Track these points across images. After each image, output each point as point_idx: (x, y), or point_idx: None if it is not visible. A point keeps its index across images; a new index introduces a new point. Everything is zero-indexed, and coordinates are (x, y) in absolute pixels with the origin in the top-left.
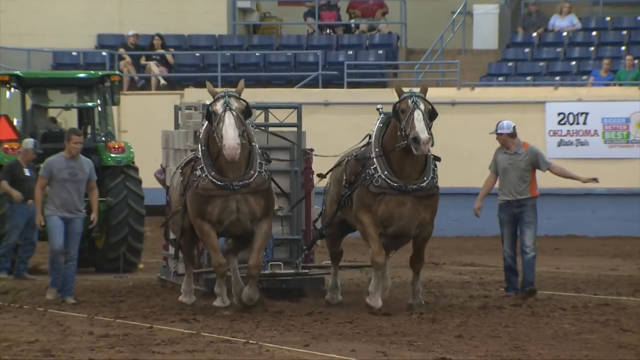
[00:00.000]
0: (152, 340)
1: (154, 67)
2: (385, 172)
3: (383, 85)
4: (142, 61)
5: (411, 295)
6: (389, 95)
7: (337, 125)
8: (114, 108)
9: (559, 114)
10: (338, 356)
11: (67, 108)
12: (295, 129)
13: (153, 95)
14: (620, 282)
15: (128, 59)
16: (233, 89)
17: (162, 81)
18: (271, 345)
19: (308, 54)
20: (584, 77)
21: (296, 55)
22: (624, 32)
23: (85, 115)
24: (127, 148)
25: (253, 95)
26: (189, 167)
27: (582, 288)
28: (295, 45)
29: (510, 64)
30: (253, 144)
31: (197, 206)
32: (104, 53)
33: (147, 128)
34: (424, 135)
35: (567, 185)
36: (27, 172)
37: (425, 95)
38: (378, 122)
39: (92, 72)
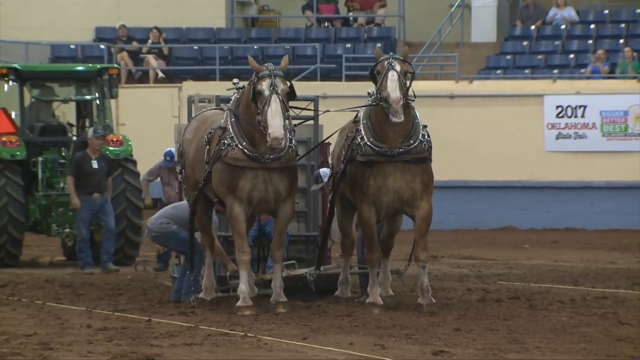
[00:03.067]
0: (150, 334)
1: (152, 60)
2: (371, 139)
3: None
4: (143, 51)
5: (419, 292)
6: None
7: (338, 119)
8: (112, 101)
9: (557, 107)
10: (336, 349)
11: (65, 101)
12: (312, 122)
13: (151, 89)
14: (619, 275)
15: (126, 55)
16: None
17: (160, 74)
18: (269, 338)
19: (306, 47)
20: (582, 70)
21: (294, 48)
22: (622, 25)
23: (83, 109)
24: (125, 141)
25: None
26: (215, 137)
27: (581, 281)
28: (294, 38)
29: (508, 57)
30: (288, 118)
31: (228, 180)
32: (102, 46)
33: (145, 121)
34: (394, 94)
35: (565, 179)
36: (94, 165)
37: (405, 59)
38: (367, 101)
39: (90, 65)
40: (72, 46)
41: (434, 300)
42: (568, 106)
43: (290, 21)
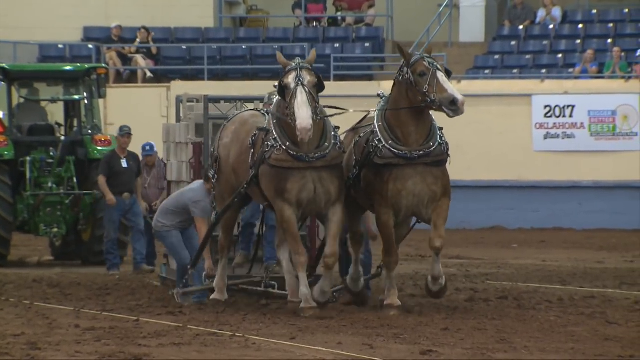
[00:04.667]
0: (138, 333)
1: (140, 60)
2: (390, 142)
3: (369, 78)
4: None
5: (431, 279)
6: (374, 88)
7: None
8: (101, 101)
9: (546, 106)
10: (324, 349)
11: (53, 101)
12: None
13: (139, 88)
14: (607, 274)
15: (114, 54)
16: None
17: (149, 74)
18: (257, 338)
19: (295, 46)
20: (570, 70)
21: (283, 48)
22: (610, 25)
23: (71, 108)
24: (113, 141)
25: (240, 88)
26: (259, 140)
27: (568, 281)
28: (282, 38)
29: (496, 56)
30: (326, 117)
31: (275, 183)
32: (90, 46)
33: (133, 121)
34: (460, 96)
35: (553, 178)
36: (124, 164)
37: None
38: (379, 103)
39: (79, 64)
40: (60, 46)
41: (444, 285)
42: (556, 106)
43: (278, 21)
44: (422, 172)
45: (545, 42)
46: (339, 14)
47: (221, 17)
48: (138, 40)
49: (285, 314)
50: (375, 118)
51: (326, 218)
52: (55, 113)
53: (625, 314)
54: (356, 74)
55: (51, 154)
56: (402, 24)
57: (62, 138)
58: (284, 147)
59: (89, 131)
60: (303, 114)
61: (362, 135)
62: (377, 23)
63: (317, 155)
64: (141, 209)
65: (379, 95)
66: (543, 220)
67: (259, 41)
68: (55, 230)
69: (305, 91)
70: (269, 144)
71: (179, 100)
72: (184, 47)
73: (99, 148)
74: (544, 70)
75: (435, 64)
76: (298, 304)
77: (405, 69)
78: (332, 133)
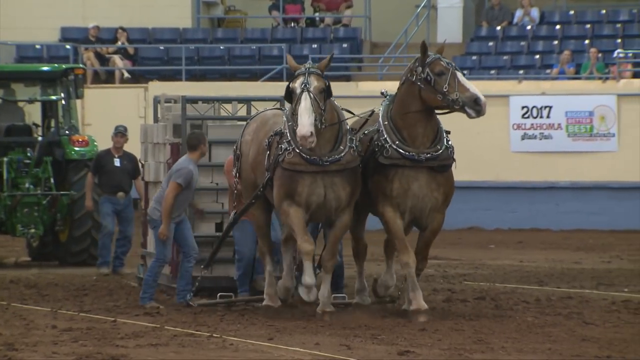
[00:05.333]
0: (115, 334)
1: (118, 61)
2: (397, 142)
3: (347, 78)
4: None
5: (406, 300)
6: (353, 89)
7: None
8: (78, 101)
9: (523, 107)
10: (302, 349)
11: (30, 101)
12: None
13: (117, 89)
14: (584, 275)
15: (92, 55)
16: (314, 65)
17: (126, 74)
18: (235, 338)
19: (272, 47)
20: (548, 71)
21: (261, 48)
22: (588, 26)
23: (48, 109)
24: (91, 142)
25: (217, 88)
26: (274, 142)
27: (546, 281)
28: (260, 39)
29: (474, 57)
30: (342, 120)
31: (286, 186)
32: (67, 46)
33: (111, 121)
34: (482, 96)
35: (530, 179)
36: (116, 163)
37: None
38: (384, 101)
39: (56, 65)
40: (37, 46)
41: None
42: (533, 107)
43: (256, 21)
44: (427, 176)
45: (522, 43)
46: (316, 14)
47: (199, 18)
48: (119, 42)
49: (263, 314)
50: (381, 117)
51: (333, 222)
52: (33, 113)
53: (602, 315)
54: (334, 74)
55: (28, 154)
56: (379, 25)
57: (40, 139)
58: (297, 150)
59: (67, 132)
60: (303, 121)
61: (365, 133)
62: (355, 24)
63: (330, 158)
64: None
65: (382, 93)
66: (520, 220)
67: (236, 42)
68: (33, 231)
69: (310, 97)
70: (282, 146)
71: (156, 101)
72: (161, 47)
73: (76, 149)
74: (521, 71)
75: (452, 63)
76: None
77: (420, 68)
78: (349, 136)
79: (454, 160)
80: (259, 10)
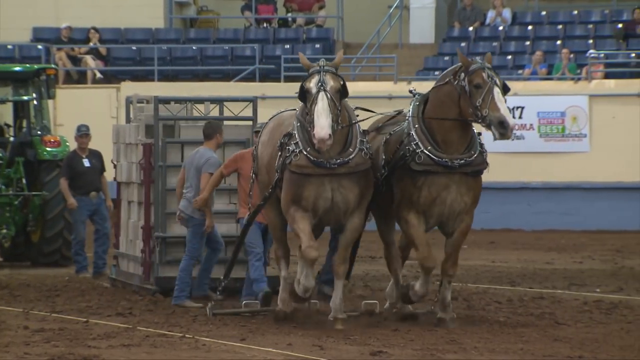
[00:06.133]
0: (87, 335)
1: (90, 61)
2: (429, 147)
3: None
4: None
5: (440, 307)
6: None
7: None
8: (50, 102)
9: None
10: (274, 350)
11: (2, 102)
12: (250, 122)
13: (89, 89)
14: (556, 275)
15: (64, 55)
16: (328, 63)
17: (98, 75)
18: (208, 339)
19: (245, 47)
20: (520, 72)
21: (233, 49)
22: (560, 27)
23: (20, 109)
24: (62, 142)
25: (190, 89)
26: (284, 142)
27: (518, 281)
28: (232, 39)
29: (446, 58)
30: (354, 121)
31: (293, 190)
32: (39, 46)
33: (83, 122)
34: (511, 120)
35: (502, 179)
36: (85, 163)
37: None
38: (414, 101)
39: (28, 65)
40: (9, 46)
41: (455, 316)
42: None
43: (229, 22)
44: (457, 181)
45: (495, 44)
46: (289, 15)
47: (171, 18)
48: (92, 42)
49: (235, 315)
50: (411, 118)
51: (343, 226)
52: (4, 114)
53: (574, 315)
54: (306, 75)
55: (0, 154)
56: (352, 25)
57: (12, 139)
58: (305, 152)
59: (38, 132)
60: (322, 123)
61: (392, 133)
62: (328, 24)
63: (338, 161)
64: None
65: (411, 92)
66: (492, 221)
67: (209, 42)
68: (4, 231)
69: (327, 97)
70: (290, 148)
71: (128, 101)
72: (133, 47)
73: (48, 149)
74: None
75: (494, 77)
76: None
77: (462, 74)
78: (359, 138)
79: (487, 164)
80: (231, 11)
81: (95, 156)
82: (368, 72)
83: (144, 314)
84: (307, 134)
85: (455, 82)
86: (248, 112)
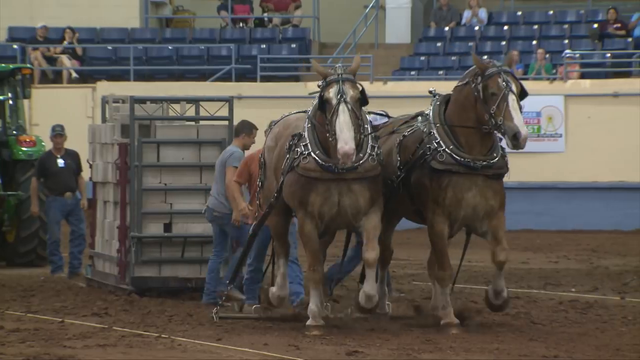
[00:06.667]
0: (63, 335)
1: (65, 61)
2: (451, 147)
3: (296, 79)
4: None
5: (493, 295)
6: (301, 89)
7: (250, 119)
8: (25, 101)
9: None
10: (250, 350)
11: None
12: (226, 122)
13: (65, 89)
14: (531, 275)
15: (39, 54)
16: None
17: (74, 74)
18: (183, 339)
19: (221, 47)
20: None
21: (209, 48)
22: (535, 27)
23: None
24: (38, 142)
25: (166, 89)
26: (292, 144)
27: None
28: (208, 39)
29: (422, 58)
30: (366, 126)
31: (299, 194)
32: (15, 46)
33: (58, 121)
34: (524, 131)
35: None
36: (60, 163)
37: (511, 69)
38: (434, 101)
39: (3, 65)
40: None
41: (506, 298)
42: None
43: (205, 21)
44: (481, 184)
45: (470, 44)
46: (265, 14)
47: (147, 18)
48: (67, 42)
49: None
50: (432, 118)
51: (361, 227)
52: None
53: (550, 315)
54: (283, 74)
55: None
56: (328, 25)
57: None
58: (313, 155)
59: (14, 132)
60: (345, 137)
61: (406, 134)
62: (304, 24)
63: (347, 166)
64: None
65: (430, 92)
66: None
67: (185, 42)
68: None
69: (348, 109)
70: (299, 150)
71: (104, 101)
72: (109, 47)
73: (23, 149)
74: None
75: (510, 84)
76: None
77: (479, 78)
78: (370, 143)
79: (508, 169)
80: (207, 11)
81: (71, 156)
82: None
83: (119, 314)
84: (318, 136)
85: (474, 85)
86: (224, 112)
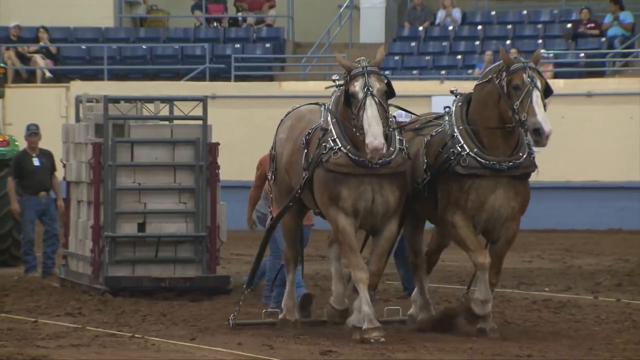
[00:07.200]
0: (36, 335)
1: (39, 60)
2: (475, 150)
3: (270, 78)
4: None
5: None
6: (276, 89)
7: (224, 119)
8: None
9: (445, 107)
10: (224, 349)
11: None
12: (200, 122)
13: (38, 88)
14: (505, 274)
15: (12, 54)
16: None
17: (48, 74)
18: (157, 339)
19: (195, 47)
20: (470, 71)
21: (183, 48)
22: (509, 27)
23: None
24: (12, 141)
25: (140, 88)
26: (314, 139)
27: (467, 280)
28: (183, 38)
29: (396, 57)
30: (391, 119)
31: (330, 190)
32: None
33: (32, 121)
34: (547, 127)
35: None
36: (35, 162)
37: (536, 66)
38: (456, 102)
39: None
40: None
41: (495, 326)
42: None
43: (179, 21)
44: (505, 184)
45: (444, 44)
46: (239, 14)
47: (121, 17)
48: (41, 41)
49: (186, 315)
50: (454, 120)
51: (378, 232)
52: None
53: (523, 314)
54: (257, 74)
55: None
56: (302, 25)
57: None
58: (344, 150)
59: None
60: (374, 131)
61: (432, 135)
62: (278, 24)
63: (380, 161)
64: None
65: (452, 92)
66: None
67: (159, 41)
68: None
69: (375, 102)
70: (327, 145)
71: (78, 101)
72: (83, 47)
73: None
74: (443, 72)
75: (535, 80)
76: (338, 312)
77: (504, 74)
78: (398, 137)
79: (536, 167)
80: (181, 10)
81: (46, 155)
82: (318, 72)
83: (93, 313)
84: (345, 130)
85: (497, 81)
86: (198, 111)
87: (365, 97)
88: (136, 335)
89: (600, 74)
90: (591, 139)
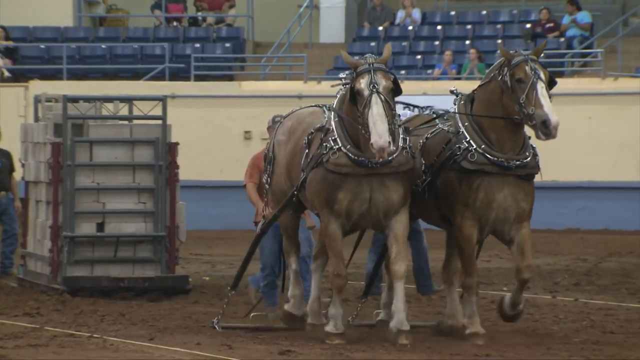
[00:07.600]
0: None
1: None
2: (483, 146)
3: (230, 78)
4: None
5: (509, 304)
6: (236, 89)
7: (183, 118)
8: None
9: (404, 107)
10: (183, 349)
11: None
12: (160, 121)
13: None
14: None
15: None
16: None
17: (6, 73)
18: (115, 339)
19: (155, 46)
20: (429, 71)
21: (143, 47)
22: (469, 27)
23: None
24: None
25: (99, 88)
26: (316, 139)
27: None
28: (142, 38)
29: (356, 57)
30: (397, 117)
31: (326, 191)
32: None
33: None
34: (554, 118)
35: None
36: None
37: (538, 58)
38: (458, 101)
39: None
40: None
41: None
42: (415, 107)
43: (138, 20)
44: (513, 184)
45: (404, 44)
46: (199, 14)
47: (80, 16)
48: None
49: (144, 315)
50: (459, 117)
51: (389, 228)
52: None
53: (481, 313)
54: (217, 74)
55: None
56: (262, 24)
57: None
58: (344, 150)
59: None
60: (380, 130)
61: (428, 136)
62: (238, 23)
63: (381, 160)
64: None
65: (452, 92)
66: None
67: (118, 41)
68: None
69: (381, 99)
70: (327, 145)
71: (37, 100)
72: (42, 46)
73: None
74: (403, 72)
75: (538, 72)
76: (317, 327)
77: (505, 69)
78: (402, 135)
79: (539, 169)
80: (141, 9)
81: (5, 155)
82: (278, 72)
83: (51, 313)
84: (347, 129)
85: (500, 78)
86: (157, 111)
87: (370, 94)
88: (95, 335)
89: (560, 74)
90: (550, 139)
